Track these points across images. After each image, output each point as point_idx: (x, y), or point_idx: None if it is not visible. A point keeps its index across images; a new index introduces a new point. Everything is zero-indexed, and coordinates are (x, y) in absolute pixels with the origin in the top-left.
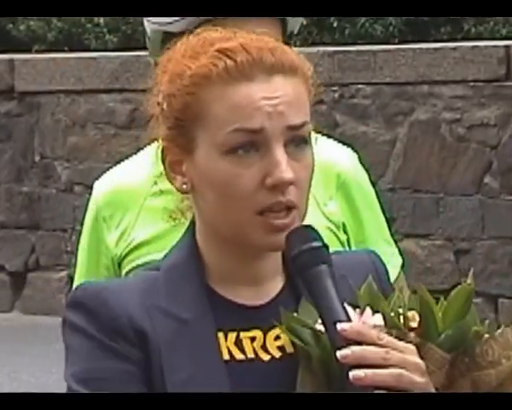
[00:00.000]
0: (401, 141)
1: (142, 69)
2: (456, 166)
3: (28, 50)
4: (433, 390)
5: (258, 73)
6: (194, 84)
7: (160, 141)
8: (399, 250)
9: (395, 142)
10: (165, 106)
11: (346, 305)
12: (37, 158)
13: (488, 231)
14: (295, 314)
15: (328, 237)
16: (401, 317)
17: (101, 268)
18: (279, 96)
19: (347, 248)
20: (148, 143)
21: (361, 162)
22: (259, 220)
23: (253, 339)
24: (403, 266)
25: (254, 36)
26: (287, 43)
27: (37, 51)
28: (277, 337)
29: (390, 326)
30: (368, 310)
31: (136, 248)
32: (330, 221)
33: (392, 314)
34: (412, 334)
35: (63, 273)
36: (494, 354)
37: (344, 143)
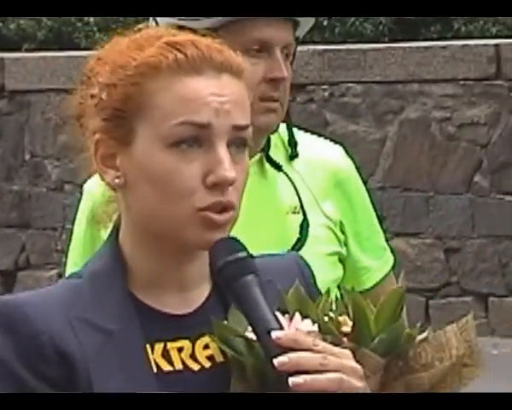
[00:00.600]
0: (391, 139)
1: None
2: (446, 164)
3: (18, 49)
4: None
5: (208, 69)
6: (140, 74)
7: (92, 134)
8: (391, 250)
9: (385, 140)
10: (103, 96)
11: (276, 312)
12: (27, 157)
13: (478, 229)
14: (225, 323)
15: (326, 235)
16: (333, 322)
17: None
18: (227, 94)
19: (345, 248)
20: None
21: (352, 158)
22: (198, 217)
23: (180, 349)
24: (394, 266)
25: (199, 36)
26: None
27: (28, 50)
28: (206, 346)
29: (324, 332)
30: (297, 315)
31: None
32: (329, 219)
33: (326, 319)
34: (345, 339)
35: (53, 272)
36: (427, 356)
37: (334, 142)
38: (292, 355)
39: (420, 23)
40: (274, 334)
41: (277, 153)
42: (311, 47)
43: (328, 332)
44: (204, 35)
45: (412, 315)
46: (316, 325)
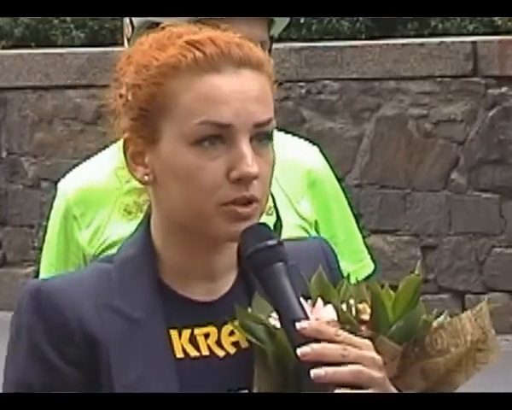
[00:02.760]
0: (368, 137)
1: (109, 65)
2: (423, 162)
3: None
4: (390, 386)
5: (227, 66)
6: (161, 74)
7: (122, 132)
8: (371, 256)
9: (362, 138)
10: (129, 97)
11: (302, 301)
12: (3, 154)
13: (455, 227)
14: (249, 310)
15: (301, 233)
16: (353, 309)
17: (70, 266)
18: (247, 91)
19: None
20: (117, 139)
21: (326, 159)
22: (223, 210)
23: (207, 335)
24: (373, 272)
25: (220, 31)
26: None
27: (4, 47)
28: (232, 333)
29: (343, 321)
30: (319, 302)
31: (111, 246)
32: (303, 219)
33: (344, 307)
34: (364, 327)
35: (30, 269)
36: (443, 342)
37: (310, 140)
38: (315, 346)
39: (396, 21)
40: (299, 325)
41: None
42: (288, 44)
43: (347, 322)
44: (226, 30)
45: None
46: (332, 310)
